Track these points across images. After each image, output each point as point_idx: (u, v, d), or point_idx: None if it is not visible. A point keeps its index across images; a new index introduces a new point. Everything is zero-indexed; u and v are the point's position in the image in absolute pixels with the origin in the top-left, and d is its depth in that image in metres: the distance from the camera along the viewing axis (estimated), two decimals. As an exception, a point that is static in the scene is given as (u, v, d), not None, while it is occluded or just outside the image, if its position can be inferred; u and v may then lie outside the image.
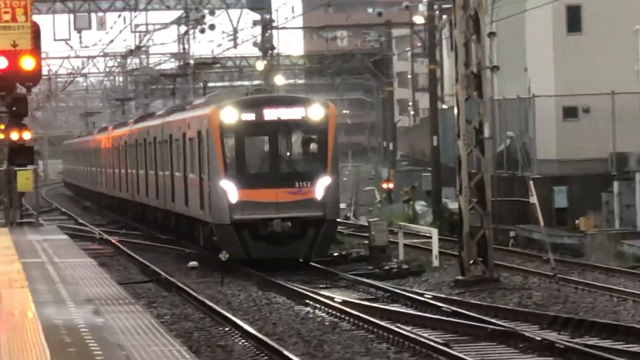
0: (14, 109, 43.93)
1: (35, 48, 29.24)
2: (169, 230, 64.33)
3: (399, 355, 30.49)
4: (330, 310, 38.40)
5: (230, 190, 44.05)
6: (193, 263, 53.11)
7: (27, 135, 51.12)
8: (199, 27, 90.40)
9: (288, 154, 46.12)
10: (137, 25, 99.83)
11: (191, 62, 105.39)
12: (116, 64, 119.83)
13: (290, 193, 44.56)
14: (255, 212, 44.26)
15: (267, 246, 44.62)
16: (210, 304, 39.37)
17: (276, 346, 30.48)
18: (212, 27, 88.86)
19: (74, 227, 73.58)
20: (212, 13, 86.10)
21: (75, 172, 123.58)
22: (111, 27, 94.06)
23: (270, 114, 44.65)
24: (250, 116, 44.52)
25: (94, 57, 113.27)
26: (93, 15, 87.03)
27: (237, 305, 40.29)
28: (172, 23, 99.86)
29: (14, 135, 48.41)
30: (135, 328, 23.82)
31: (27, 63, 28.65)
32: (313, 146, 45.69)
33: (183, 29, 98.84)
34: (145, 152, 68.03)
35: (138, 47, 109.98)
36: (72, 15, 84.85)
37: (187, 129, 50.78)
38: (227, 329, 34.78)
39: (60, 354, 20.54)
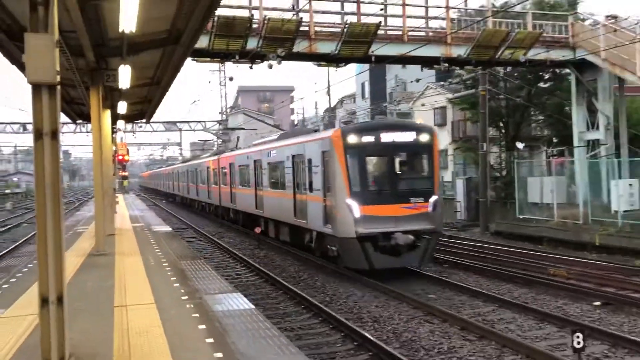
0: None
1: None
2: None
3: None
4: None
5: (355, 206, 27.24)
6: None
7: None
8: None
9: (403, 173, 28.26)
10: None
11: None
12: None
13: (407, 208, 27.19)
14: (377, 226, 27.14)
15: (386, 257, 27.51)
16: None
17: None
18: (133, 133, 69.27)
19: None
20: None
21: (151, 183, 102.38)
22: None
23: (387, 137, 27.77)
24: (370, 139, 27.59)
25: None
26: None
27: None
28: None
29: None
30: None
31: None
32: (423, 166, 28.66)
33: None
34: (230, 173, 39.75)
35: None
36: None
37: (293, 153, 30.27)
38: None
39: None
